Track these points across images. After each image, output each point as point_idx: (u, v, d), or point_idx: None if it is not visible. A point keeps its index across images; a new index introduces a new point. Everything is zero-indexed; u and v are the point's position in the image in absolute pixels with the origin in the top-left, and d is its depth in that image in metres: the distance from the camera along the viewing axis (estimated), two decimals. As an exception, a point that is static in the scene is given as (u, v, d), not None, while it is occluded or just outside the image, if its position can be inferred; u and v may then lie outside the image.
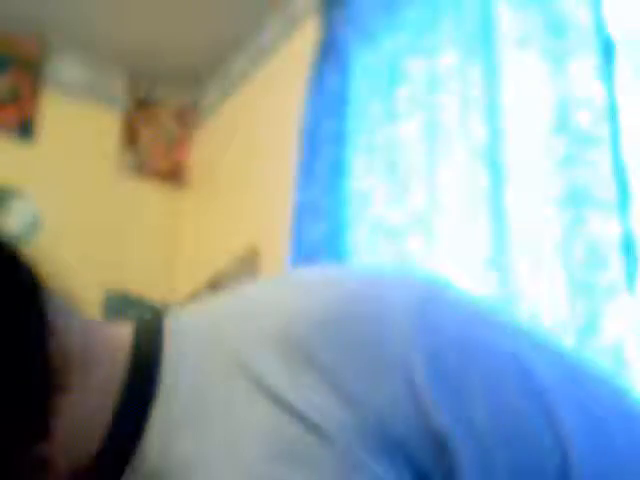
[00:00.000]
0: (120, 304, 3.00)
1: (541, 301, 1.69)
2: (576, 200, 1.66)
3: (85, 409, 0.69)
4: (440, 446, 0.65)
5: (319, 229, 2.26)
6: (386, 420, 0.65)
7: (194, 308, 0.77)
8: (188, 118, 3.42)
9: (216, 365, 0.68)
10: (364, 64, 2.39)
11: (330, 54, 2.44)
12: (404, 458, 0.65)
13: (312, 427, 0.64)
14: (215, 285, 2.88)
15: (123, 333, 0.73)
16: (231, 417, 0.66)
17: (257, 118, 3.04)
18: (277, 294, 0.74)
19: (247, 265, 2.80)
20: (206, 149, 3.34)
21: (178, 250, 3.24)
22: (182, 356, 0.70)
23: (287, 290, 0.75)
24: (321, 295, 0.72)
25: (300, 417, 0.64)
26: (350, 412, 0.65)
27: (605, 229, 1.61)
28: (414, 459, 0.65)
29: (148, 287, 3.07)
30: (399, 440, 0.65)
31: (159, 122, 3.38)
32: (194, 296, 2.88)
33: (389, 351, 0.68)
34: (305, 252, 2.25)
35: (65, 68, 3.25)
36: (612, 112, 1.69)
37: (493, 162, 1.89)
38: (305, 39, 2.73)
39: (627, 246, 1.59)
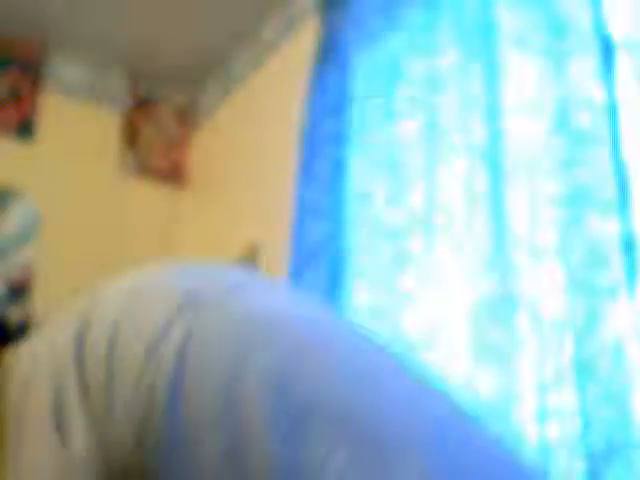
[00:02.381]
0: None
1: (541, 301, 1.69)
2: (576, 200, 1.66)
3: None
4: None
5: (319, 229, 2.26)
6: None
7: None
8: (188, 118, 3.42)
9: None
10: (364, 64, 2.39)
11: (330, 54, 2.44)
12: None
13: None
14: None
15: None
16: None
17: (257, 118, 3.04)
18: None
19: (247, 265, 2.80)
20: (206, 149, 3.34)
21: (178, 250, 3.24)
22: None
23: None
24: None
25: None
26: None
27: (605, 229, 1.60)
28: None
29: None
30: None
31: (159, 122, 3.38)
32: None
33: None
34: (305, 252, 2.25)
35: (65, 68, 3.25)
36: (612, 112, 1.69)
37: (493, 162, 1.88)
38: (305, 39, 2.73)
39: (627, 246, 1.58)
